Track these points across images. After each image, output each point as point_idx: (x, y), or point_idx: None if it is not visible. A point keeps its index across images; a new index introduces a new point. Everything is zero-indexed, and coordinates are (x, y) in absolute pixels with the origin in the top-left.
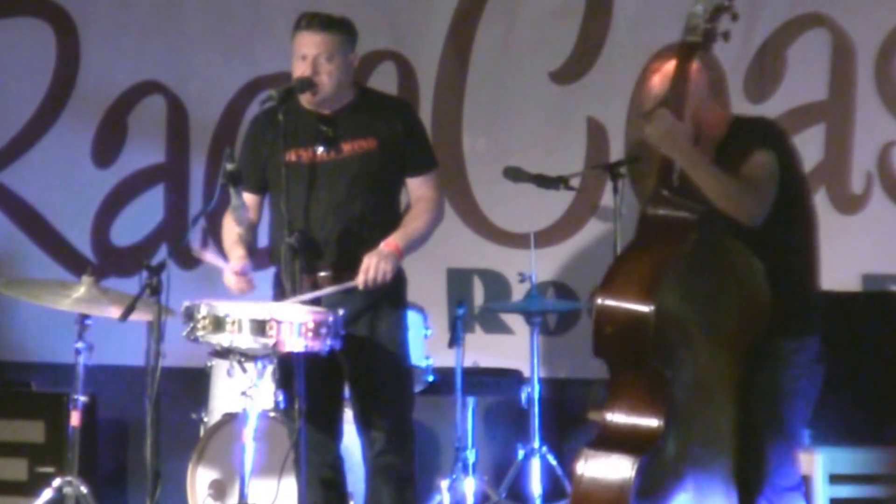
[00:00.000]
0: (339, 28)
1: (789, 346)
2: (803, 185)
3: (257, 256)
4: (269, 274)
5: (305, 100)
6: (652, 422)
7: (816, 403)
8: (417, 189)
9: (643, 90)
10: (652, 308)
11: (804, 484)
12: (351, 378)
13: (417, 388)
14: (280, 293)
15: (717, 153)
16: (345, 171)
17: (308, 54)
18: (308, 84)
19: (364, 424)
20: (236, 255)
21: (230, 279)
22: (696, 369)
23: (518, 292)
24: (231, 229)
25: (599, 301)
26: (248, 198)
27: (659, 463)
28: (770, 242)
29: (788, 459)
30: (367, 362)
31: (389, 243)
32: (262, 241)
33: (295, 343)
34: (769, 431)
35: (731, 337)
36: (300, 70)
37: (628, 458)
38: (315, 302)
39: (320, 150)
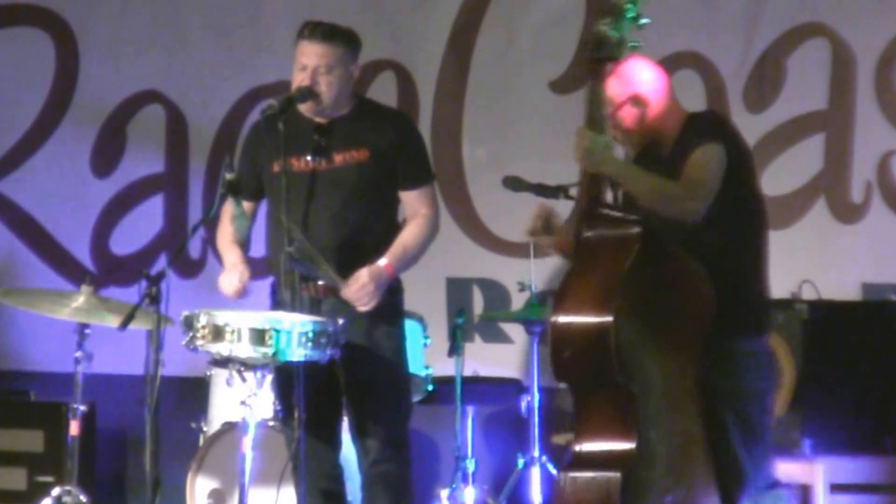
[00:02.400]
0: (340, 39)
1: (745, 347)
2: (750, 184)
3: (252, 265)
4: (266, 284)
5: (305, 108)
6: (626, 438)
7: (816, 413)
8: (412, 204)
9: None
10: (609, 319)
11: (802, 491)
12: (347, 387)
13: (417, 398)
14: (278, 302)
15: (673, 150)
16: (339, 181)
17: (308, 65)
18: (308, 93)
19: (359, 433)
20: (234, 258)
21: (227, 283)
22: (658, 379)
23: (518, 301)
24: (226, 234)
25: (554, 325)
26: (244, 205)
27: (640, 477)
28: (714, 242)
29: (763, 458)
30: (362, 371)
31: (388, 265)
32: (257, 250)
33: (294, 352)
34: (740, 434)
35: (684, 342)
36: (299, 80)
37: (611, 475)
38: (315, 311)
39: (312, 158)
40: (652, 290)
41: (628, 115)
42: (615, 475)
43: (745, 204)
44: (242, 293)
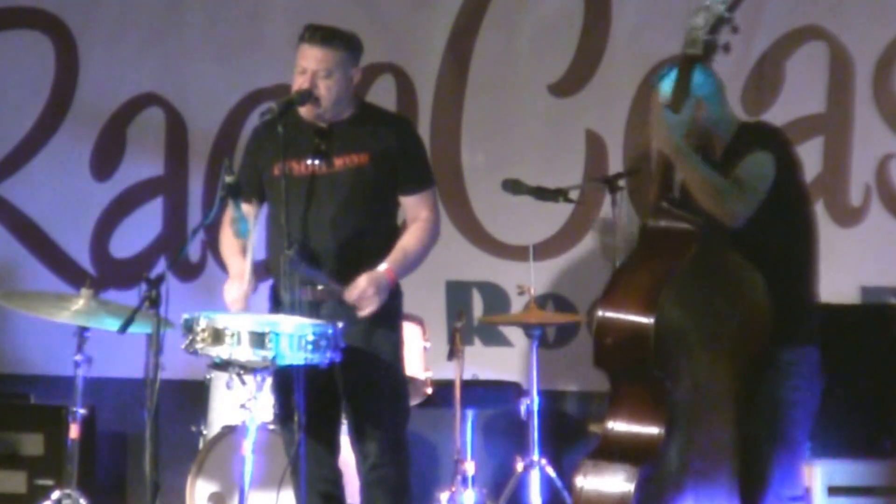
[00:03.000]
0: (339, 43)
1: (788, 356)
2: (803, 194)
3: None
4: (265, 286)
5: (306, 111)
6: (652, 432)
7: (815, 415)
8: (412, 208)
9: (649, 103)
10: (652, 319)
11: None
12: (345, 390)
13: (416, 401)
14: (277, 305)
15: (723, 156)
16: (339, 185)
17: (307, 68)
18: (308, 96)
19: (358, 437)
20: (239, 269)
21: (228, 294)
22: (697, 380)
23: (517, 305)
24: (230, 241)
25: (600, 313)
26: (244, 207)
27: (659, 474)
28: (768, 251)
29: (791, 470)
30: (361, 375)
31: (388, 270)
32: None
33: (294, 356)
34: (771, 442)
35: (731, 349)
36: (298, 83)
37: (629, 469)
38: (315, 314)
39: (312, 162)
40: (706, 293)
41: (687, 116)
42: (634, 468)
43: (795, 213)
44: (243, 306)
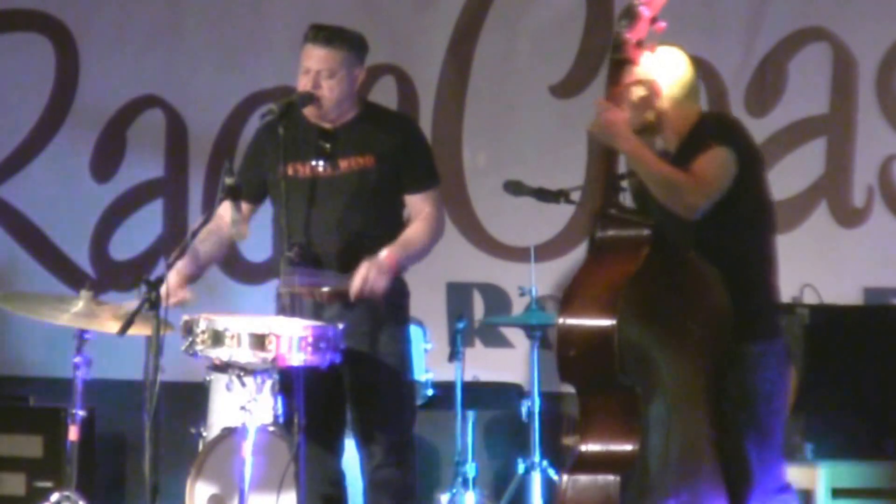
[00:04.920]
0: (343, 43)
1: (758, 349)
2: (758, 188)
3: (248, 272)
4: (264, 288)
5: (309, 112)
6: (628, 440)
7: (818, 417)
8: (417, 205)
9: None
10: (614, 321)
11: (803, 495)
12: (351, 392)
13: (417, 403)
14: (281, 307)
15: (680, 147)
16: (343, 187)
17: (311, 68)
18: (309, 98)
19: (363, 438)
20: (179, 266)
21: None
22: (668, 382)
23: (518, 306)
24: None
25: (560, 321)
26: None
27: (643, 480)
28: (726, 248)
29: (773, 462)
30: (368, 376)
31: (389, 256)
32: (259, 254)
33: (294, 357)
34: (751, 436)
35: (697, 346)
36: (302, 84)
37: (609, 479)
38: (318, 316)
39: (317, 164)
40: (665, 294)
41: (634, 96)
42: (615, 478)
43: (753, 208)
44: (174, 302)
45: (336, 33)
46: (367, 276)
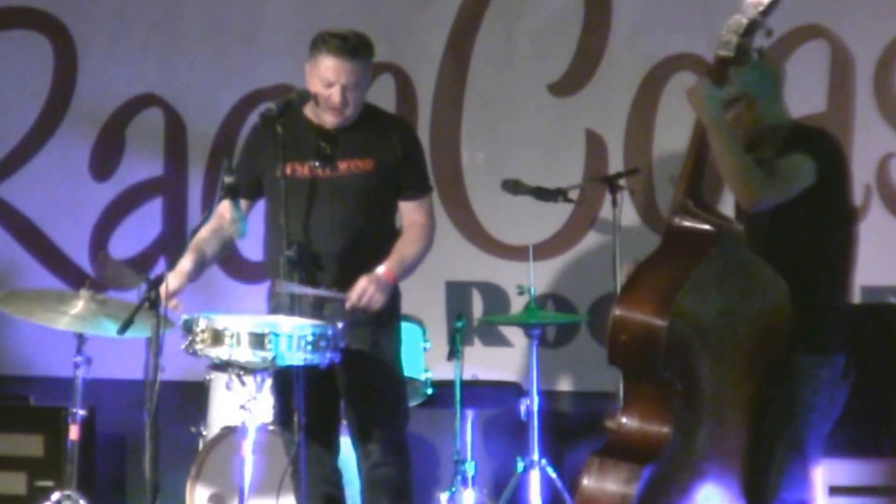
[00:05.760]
0: (364, 53)
1: (811, 361)
2: (843, 203)
3: (247, 271)
4: (263, 287)
5: (327, 118)
6: (660, 431)
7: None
8: (410, 214)
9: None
10: (665, 322)
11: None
12: (346, 391)
13: (416, 402)
14: (275, 306)
15: (774, 155)
16: (344, 189)
17: (335, 81)
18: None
19: (360, 437)
20: (180, 269)
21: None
22: (710, 383)
23: (517, 305)
24: (200, 235)
25: (616, 311)
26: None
27: (664, 475)
28: (800, 257)
29: (801, 475)
30: (362, 375)
31: (387, 272)
32: (259, 254)
33: (294, 356)
34: (784, 446)
35: (748, 353)
36: (326, 95)
37: (633, 468)
38: (316, 315)
39: (315, 164)
40: (726, 297)
41: (731, 112)
42: (638, 467)
43: (831, 222)
44: (173, 304)
45: (359, 45)
46: (365, 290)
